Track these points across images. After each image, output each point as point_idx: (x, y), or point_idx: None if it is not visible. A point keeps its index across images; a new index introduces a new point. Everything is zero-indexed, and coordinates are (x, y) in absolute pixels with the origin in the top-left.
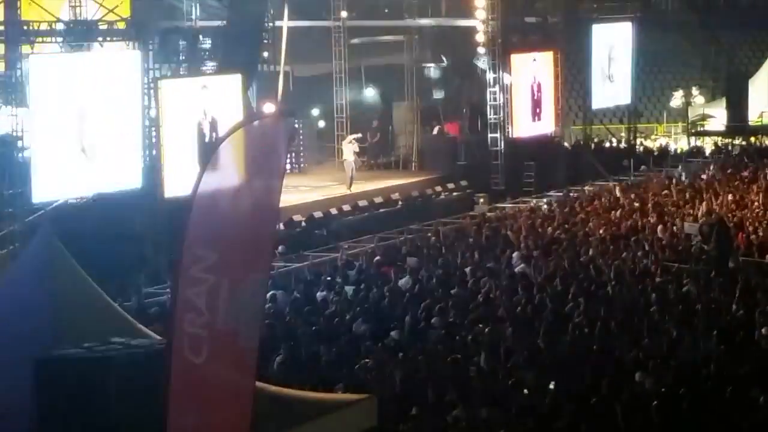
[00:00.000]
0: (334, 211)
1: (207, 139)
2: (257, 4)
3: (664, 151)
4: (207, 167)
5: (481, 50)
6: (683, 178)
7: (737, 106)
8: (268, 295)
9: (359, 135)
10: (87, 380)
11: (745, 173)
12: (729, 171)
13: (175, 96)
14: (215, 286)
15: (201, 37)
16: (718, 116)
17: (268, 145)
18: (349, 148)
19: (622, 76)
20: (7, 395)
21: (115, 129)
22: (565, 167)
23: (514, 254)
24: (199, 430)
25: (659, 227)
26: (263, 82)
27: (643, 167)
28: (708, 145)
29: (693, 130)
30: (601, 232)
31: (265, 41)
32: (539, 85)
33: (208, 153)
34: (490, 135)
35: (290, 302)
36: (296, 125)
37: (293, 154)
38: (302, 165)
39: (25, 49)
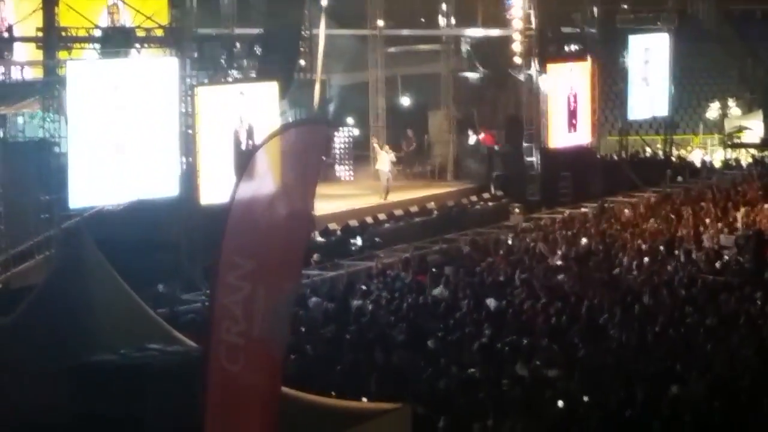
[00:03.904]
0: (369, 219)
1: (243, 147)
2: (294, 13)
3: (700, 163)
4: (244, 175)
5: (517, 60)
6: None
7: None
8: (305, 302)
9: (376, 141)
10: (123, 386)
11: None
12: (765, 183)
13: (211, 103)
14: (252, 294)
15: (238, 44)
16: (754, 128)
17: (303, 153)
18: (385, 157)
19: (659, 87)
20: (45, 400)
21: (151, 136)
22: (601, 178)
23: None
24: None
25: (695, 239)
26: (300, 90)
27: (679, 178)
28: (744, 157)
29: (729, 142)
30: (637, 243)
31: (302, 49)
32: (575, 96)
33: (245, 161)
34: (525, 145)
35: (325, 310)
36: (331, 133)
37: (329, 164)
38: (340, 174)
39: (63, 55)
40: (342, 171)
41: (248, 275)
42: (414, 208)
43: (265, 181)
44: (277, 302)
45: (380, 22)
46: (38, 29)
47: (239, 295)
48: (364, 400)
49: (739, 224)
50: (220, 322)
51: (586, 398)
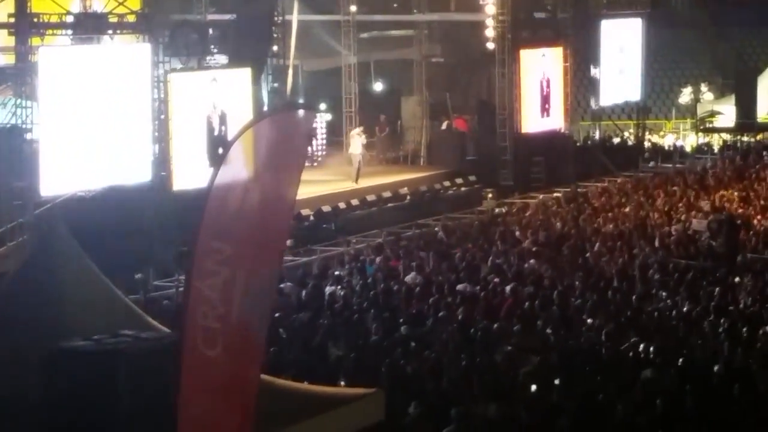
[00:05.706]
0: (342, 205)
1: (216, 133)
2: None
3: (672, 147)
4: (223, 160)
5: (490, 45)
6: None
7: (746, 103)
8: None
9: (361, 128)
10: (97, 372)
11: (753, 170)
12: (737, 168)
13: (184, 89)
14: (230, 279)
15: (211, 30)
16: (726, 113)
17: (286, 140)
18: (357, 141)
19: (632, 72)
20: (18, 387)
21: (124, 122)
22: (574, 163)
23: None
24: (208, 421)
25: (667, 223)
26: (273, 76)
27: (651, 163)
28: (716, 141)
29: (701, 127)
30: (609, 227)
31: (275, 35)
32: (548, 81)
33: (226, 146)
34: (498, 130)
35: (298, 296)
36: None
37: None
38: (315, 159)
39: (35, 41)
40: (315, 156)
41: (227, 260)
42: (387, 194)
43: (245, 167)
44: (256, 287)
45: (353, 8)
46: (10, 15)
47: (217, 279)
48: (342, 384)
49: (710, 208)
50: (196, 307)
51: (556, 382)
